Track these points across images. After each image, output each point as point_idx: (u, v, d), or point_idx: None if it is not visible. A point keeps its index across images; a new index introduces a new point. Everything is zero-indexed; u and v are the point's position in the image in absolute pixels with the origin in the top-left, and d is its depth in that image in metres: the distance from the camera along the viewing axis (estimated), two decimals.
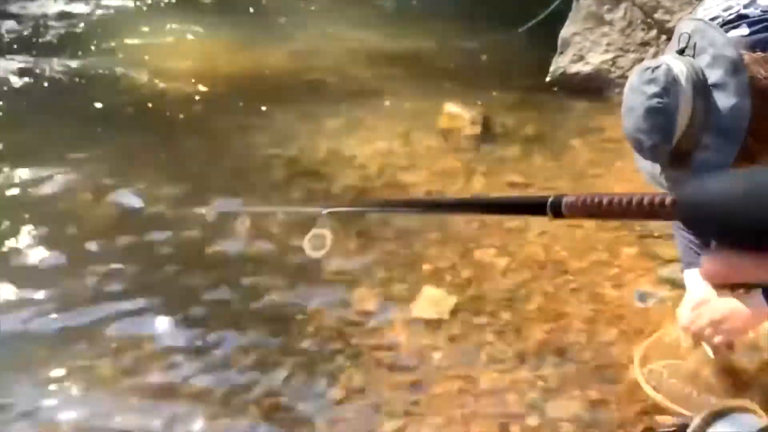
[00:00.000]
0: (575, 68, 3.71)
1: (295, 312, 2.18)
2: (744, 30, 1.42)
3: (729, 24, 1.44)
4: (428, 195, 2.82)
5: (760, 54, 1.37)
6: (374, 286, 2.28)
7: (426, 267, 2.37)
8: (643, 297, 2.16)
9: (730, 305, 1.56)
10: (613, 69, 3.61)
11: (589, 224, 2.54)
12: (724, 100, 1.33)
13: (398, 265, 2.39)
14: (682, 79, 1.35)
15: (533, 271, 2.33)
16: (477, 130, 3.26)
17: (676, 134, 1.37)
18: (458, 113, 3.33)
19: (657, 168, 1.52)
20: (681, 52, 1.47)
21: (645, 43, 3.55)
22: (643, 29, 3.53)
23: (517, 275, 2.31)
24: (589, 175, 2.93)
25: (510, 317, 2.12)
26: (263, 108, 3.58)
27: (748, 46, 1.39)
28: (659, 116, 1.35)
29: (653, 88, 1.35)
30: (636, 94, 1.39)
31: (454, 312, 2.15)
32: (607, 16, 3.63)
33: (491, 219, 2.61)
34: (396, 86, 3.82)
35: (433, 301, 2.19)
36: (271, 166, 3.05)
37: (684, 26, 1.48)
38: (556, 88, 3.76)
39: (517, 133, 3.31)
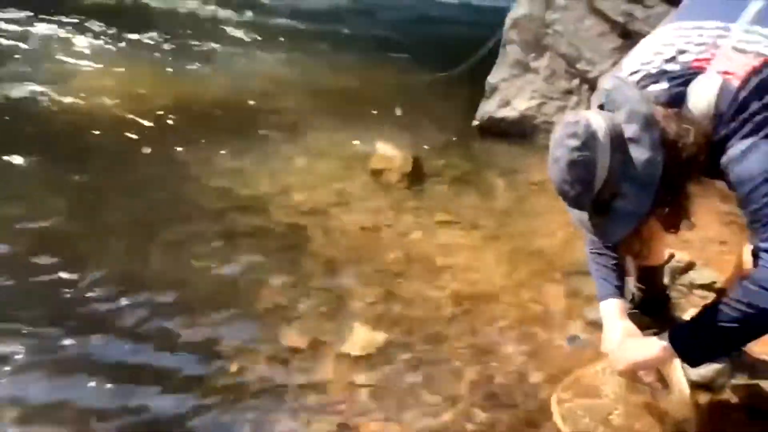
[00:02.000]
0: (502, 113, 3.83)
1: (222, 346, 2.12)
2: (664, 84, 1.52)
3: (651, 77, 1.55)
4: (361, 231, 2.81)
5: (671, 111, 1.48)
6: (305, 323, 2.24)
7: (355, 304, 2.34)
8: (573, 340, 2.20)
9: (647, 344, 1.63)
10: (537, 115, 3.75)
11: (517, 259, 2.61)
12: (639, 154, 1.43)
13: (328, 300, 2.35)
14: (601, 134, 1.44)
15: (463, 307, 2.34)
16: (407, 169, 3.30)
17: (597, 184, 1.45)
18: (390, 154, 3.37)
19: (584, 214, 1.59)
20: (602, 107, 1.58)
21: (568, 92, 3.71)
22: (566, 78, 3.71)
23: (448, 311, 2.32)
24: (515, 213, 3.00)
25: (440, 356, 2.12)
26: (192, 141, 3.50)
27: (663, 102, 1.49)
28: (580, 168, 1.44)
29: (574, 142, 1.44)
30: (559, 147, 1.48)
31: (382, 348, 2.12)
32: (533, 64, 3.78)
33: (417, 252, 2.64)
34: (330, 123, 3.83)
35: (362, 338, 2.16)
36: (202, 201, 2.97)
37: (605, 82, 1.60)
38: (483, 132, 3.87)
39: (445, 173, 3.38)
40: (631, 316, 2.16)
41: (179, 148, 3.40)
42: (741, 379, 1.98)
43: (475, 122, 3.91)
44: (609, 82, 1.59)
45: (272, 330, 2.19)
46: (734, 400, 1.93)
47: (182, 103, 3.93)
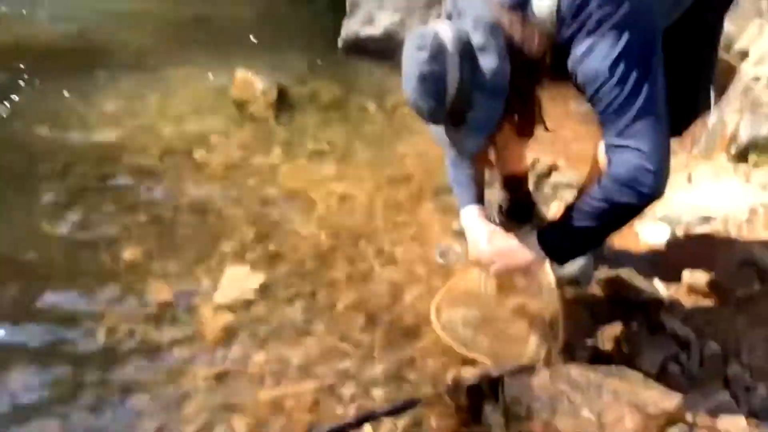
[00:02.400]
0: (366, 31, 3.70)
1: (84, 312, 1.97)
2: None
3: None
4: (228, 170, 2.66)
5: (516, 15, 1.45)
6: (172, 274, 2.11)
7: (228, 245, 2.24)
8: (443, 253, 2.22)
9: (514, 244, 1.66)
10: (401, 30, 3.65)
11: (391, 184, 2.59)
12: (487, 62, 1.41)
13: (197, 246, 2.24)
14: (449, 45, 1.40)
15: (339, 239, 2.30)
16: (272, 99, 3.15)
17: (449, 97, 1.42)
18: (251, 83, 3.18)
19: (442, 129, 1.57)
20: (449, 16, 1.53)
21: (429, 5, 3.63)
22: None
23: (322, 244, 2.27)
24: (388, 136, 2.96)
25: (317, 288, 2.08)
26: (29, 85, 3.16)
27: (508, 7, 1.46)
28: (431, 82, 1.41)
29: (423, 55, 1.40)
30: (409, 61, 1.44)
31: (260, 291, 2.06)
32: None
33: (290, 187, 2.55)
34: (184, 55, 3.54)
35: (237, 281, 2.08)
36: (44, 153, 2.69)
37: None
38: (349, 53, 3.73)
39: (313, 100, 3.24)
40: (501, 225, 2.24)
41: (15, 97, 3.05)
42: (604, 272, 2.10)
43: (340, 43, 3.76)
44: None
45: (138, 286, 2.06)
46: (599, 292, 2.04)
47: (14, 47, 3.51)
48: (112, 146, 2.77)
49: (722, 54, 2.77)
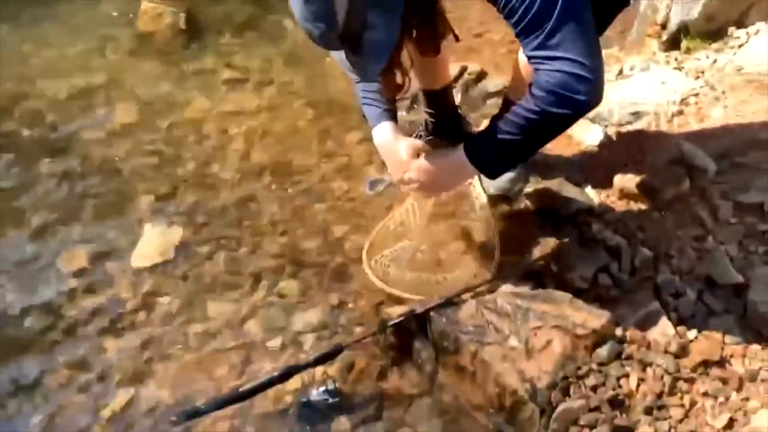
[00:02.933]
0: None
1: None
2: None
3: None
4: (137, 113, 2.47)
5: None
6: (85, 240, 1.99)
7: (142, 202, 2.11)
8: (373, 185, 2.12)
9: (438, 158, 1.55)
10: None
11: (315, 110, 2.45)
12: None
13: (109, 207, 2.10)
14: None
15: (263, 179, 2.18)
16: (181, 26, 2.91)
17: (340, 17, 1.26)
18: (158, 12, 2.93)
19: (343, 53, 1.43)
20: None
21: None
22: None
23: (245, 187, 2.16)
24: (308, 57, 2.77)
25: (242, 236, 1.99)
26: None
27: None
28: (316, 3, 1.25)
29: None
30: None
31: (180, 247, 1.96)
32: None
33: (206, 125, 2.39)
34: None
35: (155, 240, 1.97)
36: None
37: None
38: None
39: (227, 22, 3.00)
40: (429, 143, 2.13)
41: None
42: (534, 182, 2.03)
43: None
44: None
45: (47, 254, 1.94)
46: (529, 205, 1.98)
47: None
48: (7, 94, 2.55)
49: None
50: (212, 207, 2.08)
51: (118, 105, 2.52)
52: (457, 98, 2.44)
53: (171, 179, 2.18)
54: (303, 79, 2.62)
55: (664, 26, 2.47)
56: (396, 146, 1.61)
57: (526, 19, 1.31)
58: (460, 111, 2.26)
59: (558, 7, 1.27)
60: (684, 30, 2.40)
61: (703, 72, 2.29)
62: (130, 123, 2.44)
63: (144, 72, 2.71)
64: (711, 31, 2.39)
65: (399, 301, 1.70)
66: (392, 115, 1.68)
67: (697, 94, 2.22)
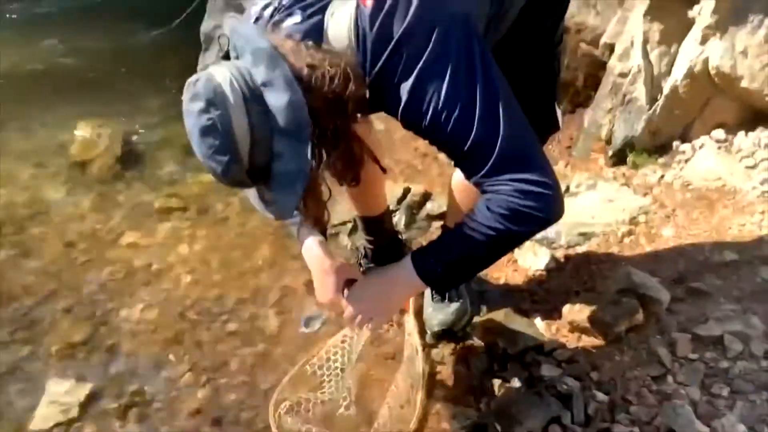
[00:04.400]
0: None
1: None
2: (297, 17, 1.26)
3: (284, 10, 1.27)
4: (63, 251, 2.31)
5: (302, 42, 1.21)
6: None
7: (50, 352, 1.90)
8: (308, 322, 1.94)
9: (378, 279, 1.47)
10: None
11: (255, 239, 2.31)
12: (276, 99, 1.13)
13: (12, 356, 1.89)
14: (227, 88, 1.12)
15: (185, 320, 2.00)
16: (117, 152, 2.82)
17: (243, 149, 1.14)
18: (92, 138, 2.85)
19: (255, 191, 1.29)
20: (226, 56, 1.25)
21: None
22: None
23: (168, 331, 1.97)
24: None
25: (157, 391, 1.78)
26: None
27: (287, 35, 1.22)
28: (214, 134, 1.12)
29: (198, 105, 1.12)
30: (187, 116, 1.15)
31: (86, 403, 1.74)
32: (246, 4, 3.34)
33: (134, 263, 2.24)
34: (25, 113, 3.14)
35: (58, 398, 1.75)
36: None
37: (224, 27, 1.26)
38: None
39: (167, 145, 2.92)
40: (368, 271, 1.99)
41: None
42: (483, 312, 1.89)
43: None
44: (226, 25, 1.27)
45: None
46: (475, 342, 1.82)
47: None
48: None
49: (591, 50, 2.62)
50: (127, 356, 1.88)
51: (43, 236, 2.37)
52: (401, 221, 2.33)
53: (91, 321, 2.00)
54: (239, 204, 2.50)
55: (609, 142, 2.42)
56: (326, 266, 1.48)
57: (454, 152, 1.25)
58: (400, 236, 2.14)
59: (501, 131, 1.19)
60: (630, 145, 2.35)
61: (651, 188, 2.22)
62: (55, 265, 2.25)
63: (73, 204, 2.56)
64: (656, 145, 2.34)
65: None
66: (322, 232, 1.55)
67: (647, 212, 2.13)
